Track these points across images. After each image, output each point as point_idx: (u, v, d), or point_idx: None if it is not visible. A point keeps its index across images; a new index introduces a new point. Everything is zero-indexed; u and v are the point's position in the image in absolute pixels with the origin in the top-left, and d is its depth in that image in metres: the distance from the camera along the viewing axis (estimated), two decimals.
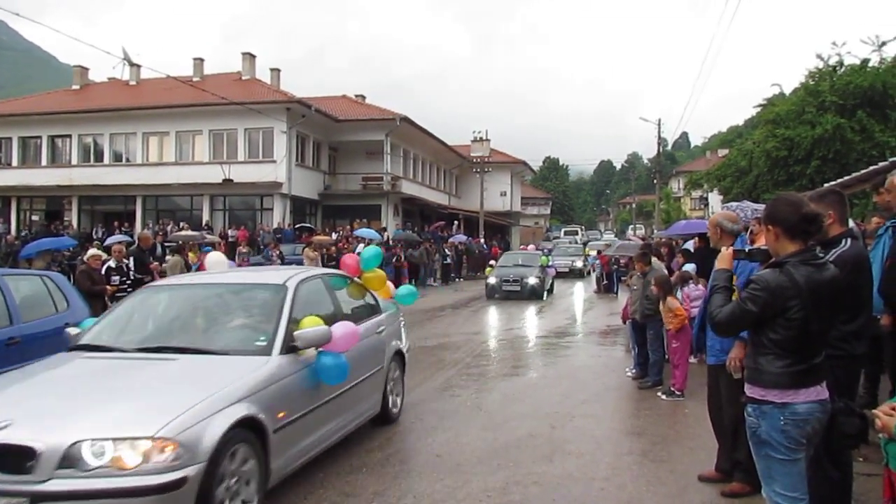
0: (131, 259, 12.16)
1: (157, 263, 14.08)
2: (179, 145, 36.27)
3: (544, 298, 22.06)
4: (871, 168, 11.87)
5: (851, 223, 5.28)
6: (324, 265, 23.66)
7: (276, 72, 40.10)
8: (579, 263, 34.22)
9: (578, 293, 26.02)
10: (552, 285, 24.66)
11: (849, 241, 4.24)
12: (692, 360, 8.61)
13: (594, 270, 30.48)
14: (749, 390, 3.37)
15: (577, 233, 65.39)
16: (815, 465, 3.59)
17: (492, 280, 22.78)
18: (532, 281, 22.05)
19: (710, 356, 5.29)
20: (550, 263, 25.11)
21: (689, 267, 10.05)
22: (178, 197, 36.15)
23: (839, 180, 14.03)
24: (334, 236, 29.64)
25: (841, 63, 27.25)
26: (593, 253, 36.37)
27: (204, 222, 33.75)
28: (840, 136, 24.06)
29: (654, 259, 9.73)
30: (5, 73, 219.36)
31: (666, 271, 10.03)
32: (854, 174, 13.64)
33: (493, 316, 18.13)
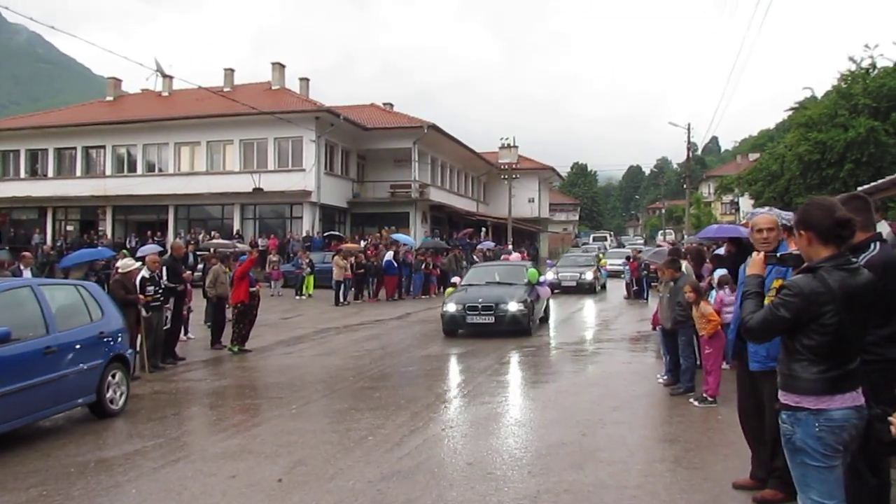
0: (164, 268, 12.32)
1: (189, 272, 14.26)
2: (210, 155, 36.75)
3: (532, 332, 15.07)
4: None
5: (887, 226, 5.20)
6: (353, 272, 23.88)
7: (304, 81, 40.53)
8: (589, 276, 27.16)
9: (588, 316, 20.07)
10: (547, 309, 17.66)
11: (878, 244, 4.17)
12: (725, 366, 8.51)
13: (624, 276, 29.25)
14: (783, 397, 3.33)
15: (605, 238, 64.94)
16: (853, 472, 3.53)
17: (451, 307, 14.97)
18: (513, 307, 14.58)
19: (755, 362, 5.03)
20: (543, 279, 17.11)
21: (721, 272, 9.94)
22: (209, 206, 36.59)
23: (873, 183, 13.84)
24: (363, 244, 29.81)
25: (874, 65, 26.91)
26: (617, 261, 33.30)
27: (235, 231, 34.14)
28: (874, 139, 23.74)
29: (684, 264, 9.64)
30: (41, 85, 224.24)
31: (695, 277, 9.94)
32: (889, 177, 13.44)
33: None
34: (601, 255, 37.82)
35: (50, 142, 38.75)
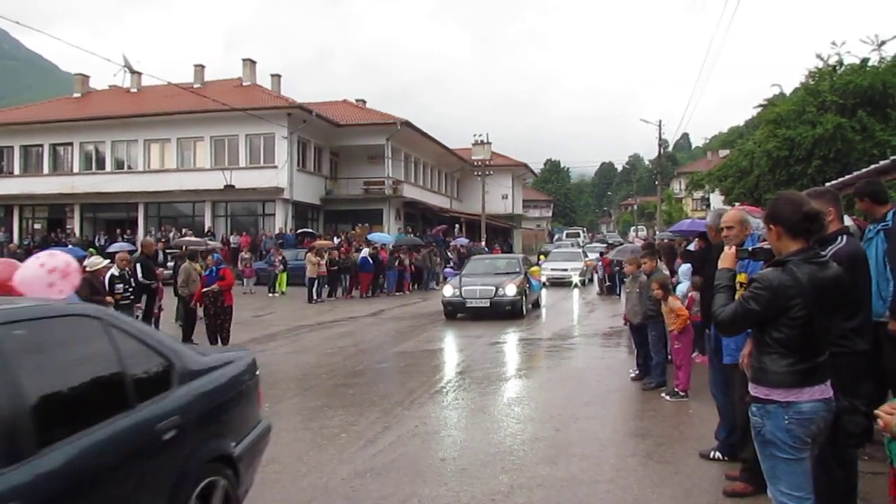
0: (138, 266, 12.18)
1: (160, 269, 14.12)
2: (181, 152, 36.39)
3: None
4: (872, 167, 11.83)
5: (850, 221, 5.29)
6: (327, 269, 23.78)
7: (276, 77, 40.26)
8: (510, 290, 17.21)
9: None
10: None
11: (844, 238, 4.24)
12: (696, 359, 8.59)
13: (593, 278, 27.67)
14: (753, 390, 3.36)
15: (579, 235, 65.22)
16: (821, 464, 3.57)
17: None
18: None
19: (727, 356, 5.19)
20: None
21: (686, 267, 10.05)
22: (180, 203, 36.26)
23: (840, 179, 14.00)
24: (336, 241, 29.70)
25: (841, 62, 27.23)
26: (564, 266, 28.70)
27: (206, 228, 33.85)
28: (841, 136, 24.03)
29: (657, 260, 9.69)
30: (7, 81, 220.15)
31: (668, 272, 10.02)
32: (855, 173, 13.61)
33: (495, 319, 17.82)
34: (542, 256, 32.36)
35: (16, 139, 38.12)
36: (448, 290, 17.90)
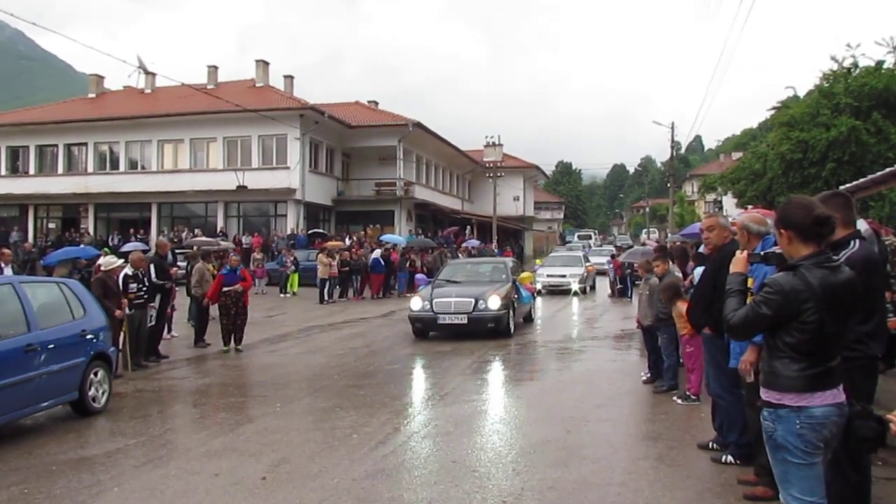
0: (152, 266, 12.28)
1: (175, 269, 14.22)
2: (194, 152, 36.56)
3: None
4: (888, 170, 11.75)
5: (865, 224, 5.24)
6: (338, 270, 23.84)
7: (289, 79, 40.40)
8: (494, 303, 14.06)
9: None
10: None
11: (857, 242, 4.20)
12: None
13: (594, 285, 27.52)
14: (765, 394, 3.36)
15: (590, 237, 65.02)
16: (835, 469, 3.56)
17: None
18: None
19: (734, 359, 5.16)
20: None
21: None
22: (192, 204, 36.41)
23: (854, 182, 13.91)
24: (348, 242, 29.76)
25: (855, 65, 27.05)
26: (561, 272, 25.93)
27: (218, 229, 33.96)
28: (855, 138, 23.89)
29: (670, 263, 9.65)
30: (21, 81, 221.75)
31: (682, 275, 9.98)
32: (870, 176, 13.51)
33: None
34: (538, 261, 29.41)
35: (31, 139, 38.41)
36: (416, 303, 14.51)
